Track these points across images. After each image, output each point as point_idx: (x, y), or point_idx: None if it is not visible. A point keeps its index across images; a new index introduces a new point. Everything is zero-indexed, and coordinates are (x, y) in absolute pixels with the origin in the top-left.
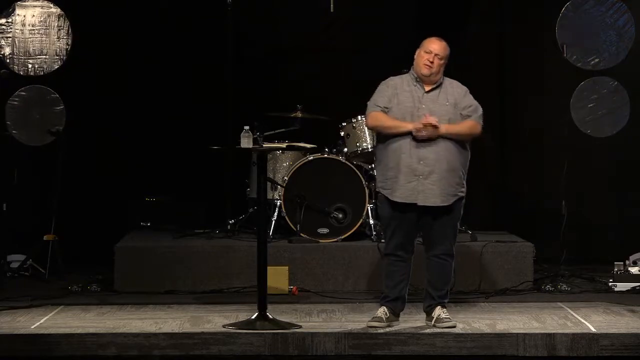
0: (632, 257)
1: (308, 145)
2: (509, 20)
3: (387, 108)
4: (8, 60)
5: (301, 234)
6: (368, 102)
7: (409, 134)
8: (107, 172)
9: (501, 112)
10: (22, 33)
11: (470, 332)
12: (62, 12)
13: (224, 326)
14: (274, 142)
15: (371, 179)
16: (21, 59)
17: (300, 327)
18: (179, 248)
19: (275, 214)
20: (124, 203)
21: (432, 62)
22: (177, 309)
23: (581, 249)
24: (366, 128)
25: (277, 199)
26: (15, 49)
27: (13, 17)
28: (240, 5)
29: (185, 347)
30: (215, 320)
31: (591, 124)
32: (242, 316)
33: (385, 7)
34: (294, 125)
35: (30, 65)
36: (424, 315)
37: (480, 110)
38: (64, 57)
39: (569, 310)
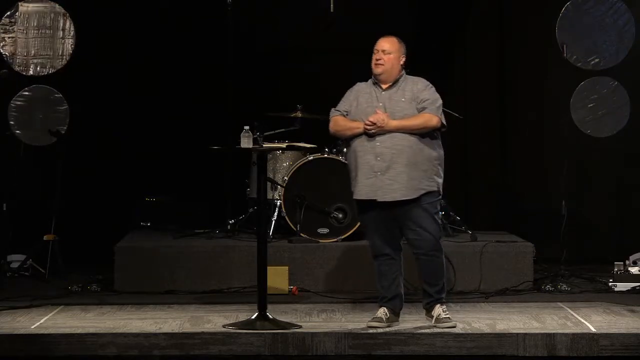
0: (632, 257)
1: (308, 145)
2: (509, 21)
3: (346, 112)
4: (11, 60)
5: (301, 234)
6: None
7: (366, 133)
8: (108, 172)
9: (501, 112)
10: (25, 33)
11: (470, 332)
12: (66, 12)
13: (224, 326)
14: (274, 142)
15: None
16: (24, 58)
17: (300, 327)
18: (179, 248)
19: (275, 214)
20: (124, 203)
21: (379, 59)
22: (177, 309)
23: (581, 249)
24: None
25: (277, 199)
26: (18, 48)
27: (16, 17)
28: (240, 5)
29: (185, 347)
30: (215, 320)
31: (591, 124)
32: (242, 316)
33: (385, 7)
34: (294, 125)
35: (33, 65)
36: (424, 316)
37: (438, 102)
38: (68, 57)
39: (569, 310)
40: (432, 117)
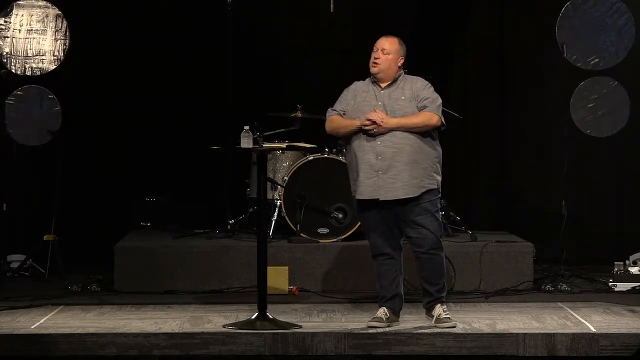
0: (632, 257)
1: (308, 145)
2: (509, 20)
3: (343, 111)
4: (6, 60)
5: (301, 234)
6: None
7: (367, 133)
8: (107, 172)
9: (501, 112)
10: (21, 33)
11: (470, 332)
12: (61, 13)
13: (224, 326)
14: (274, 142)
15: None
16: (19, 59)
17: (300, 327)
18: (179, 248)
19: (275, 214)
20: (124, 203)
21: (377, 59)
22: (177, 309)
23: (581, 249)
24: None
25: (277, 199)
26: (13, 49)
27: (11, 17)
28: (240, 5)
29: (185, 347)
30: (215, 320)
31: (591, 124)
32: (242, 316)
33: (385, 7)
34: (294, 125)
35: (28, 66)
36: (424, 316)
37: (438, 102)
38: (62, 58)
39: (569, 310)
40: (433, 116)
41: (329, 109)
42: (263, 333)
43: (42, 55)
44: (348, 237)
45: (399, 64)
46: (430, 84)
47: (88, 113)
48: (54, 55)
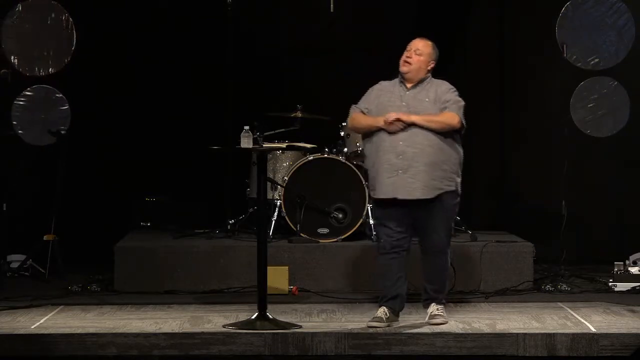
0: (632, 257)
1: (308, 145)
2: (509, 21)
3: (367, 109)
4: (15, 60)
5: (301, 234)
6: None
7: (389, 132)
8: (107, 172)
9: (501, 112)
10: (27, 33)
11: (470, 332)
12: (67, 12)
13: (224, 326)
14: (274, 142)
15: None
16: (26, 58)
17: (300, 327)
18: (179, 248)
19: (275, 214)
20: (124, 203)
21: (409, 58)
22: (177, 309)
23: (581, 249)
24: None
25: (277, 199)
26: (20, 48)
27: (18, 17)
28: (240, 5)
29: (185, 347)
30: (215, 320)
31: (591, 124)
32: (242, 316)
33: (385, 7)
34: (294, 125)
35: (34, 66)
36: (424, 316)
37: (460, 103)
38: (68, 58)
39: (569, 310)
40: (454, 116)
41: (353, 106)
42: (263, 333)
43: (48, 55)
44: (348, 237)
45: (429, 67)
46: (454, 88)
47: (88, 113)
48: (60, 55)
